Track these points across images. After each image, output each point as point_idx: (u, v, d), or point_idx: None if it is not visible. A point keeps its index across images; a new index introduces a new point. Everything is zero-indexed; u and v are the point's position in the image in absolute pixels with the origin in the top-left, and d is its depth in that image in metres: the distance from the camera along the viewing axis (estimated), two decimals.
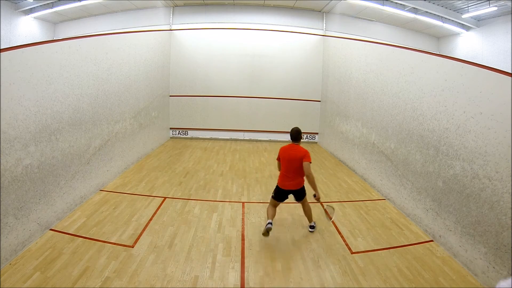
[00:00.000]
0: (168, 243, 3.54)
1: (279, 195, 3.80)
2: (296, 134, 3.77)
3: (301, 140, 3.82)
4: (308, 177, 3.59)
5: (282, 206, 4.81)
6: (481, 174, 3.11)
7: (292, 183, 3.69)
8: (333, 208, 3.99)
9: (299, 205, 4.92)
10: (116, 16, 10.64)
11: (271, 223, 3.54)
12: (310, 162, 3.61)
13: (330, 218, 3.86)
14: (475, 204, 3.18)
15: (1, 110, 2.92)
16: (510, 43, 8.53)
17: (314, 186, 3.62)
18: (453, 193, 3.54)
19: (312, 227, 4.01)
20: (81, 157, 4.50)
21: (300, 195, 3.80)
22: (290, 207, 4.79)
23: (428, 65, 4.33)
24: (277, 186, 3.81)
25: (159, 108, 8.95)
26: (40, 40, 7.06)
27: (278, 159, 3.85)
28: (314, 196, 3.68)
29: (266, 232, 3.48)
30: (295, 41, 10.24)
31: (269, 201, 3.94)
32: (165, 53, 9.49)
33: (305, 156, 3.60)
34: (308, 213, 3.96)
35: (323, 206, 4.26)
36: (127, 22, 10.30)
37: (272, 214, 3.75)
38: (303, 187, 3.76)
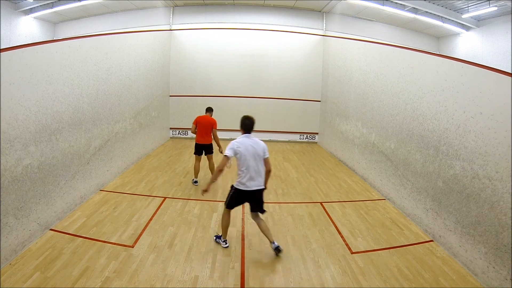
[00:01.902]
0: (168, 243, 3.54)
1: (199, 149, 5.60)
2: (210, 108, 5.86)
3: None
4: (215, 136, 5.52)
5: (282, 206, 4.82)
6: (481, 174, 3.11)
7: (204, 140, 5.54)
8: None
9: (299, 205, 4.95)
10: (116, 16, 10.64)
11: (196, 181, 5.65)
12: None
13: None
14: (475, 204, 3.18)
15: (1, 110, 2.92)
16: (510, 43, 8.53)
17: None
18: (453, 193, 3.54)
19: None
20: (81, 157, 4.50)
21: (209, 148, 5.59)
22: (290, 207, 4.80)
23: (428, 65, 4.33)
24: (196, 143, 5.60)
25: (159, 108, 8.95)
26: (40, 40, 7.06)
27: (195, 123, 5.52)
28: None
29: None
30: (295, 41, 10.24)
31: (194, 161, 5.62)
32: (165, 53, 9.49)
33: (215, 124, 5.52)
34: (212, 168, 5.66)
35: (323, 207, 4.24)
36: (127, 22, 10.30)
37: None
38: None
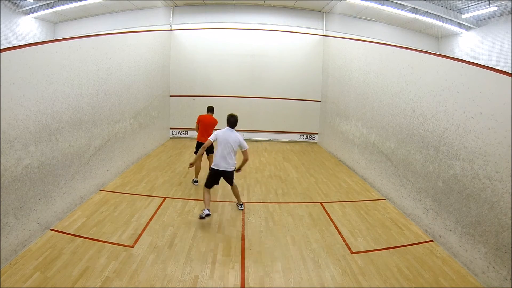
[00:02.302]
0: (168, 243, 3.54)
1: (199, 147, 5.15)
2: (211, 108, 5.84)
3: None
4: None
5: (282, 206, 4.83)
6: (481, 174, 3.11)
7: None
8: None
9: (299, 205, 4.95)
10: (116, 16, 10.64)
11: (197, 181, 5.67)
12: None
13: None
14: (475, 204, 3.18)
15: (1, 110, 2.92)
16: (510, 43, 8.53)
17: None
18: (453, 193, 3.54)
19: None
20: (81, 157, 4.50)
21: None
22: (290, 207, 4.80)
23: (428, 65, 4.33)
24: (198, 142, 5.53)
25: (159, 108, 8.94)
26: (40, 40, 7.06)
27: (198, 122, 5.55)
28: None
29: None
30: (295, 41, 10.23)
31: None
32: (165, 53, 9.48)
33: (216, 123, 5.62)
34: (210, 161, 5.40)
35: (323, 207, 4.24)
36: (127, 22, 10.30)
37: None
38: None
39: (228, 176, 4.30)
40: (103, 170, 5.26)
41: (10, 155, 3.03)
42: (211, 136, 4.24)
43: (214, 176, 4.26)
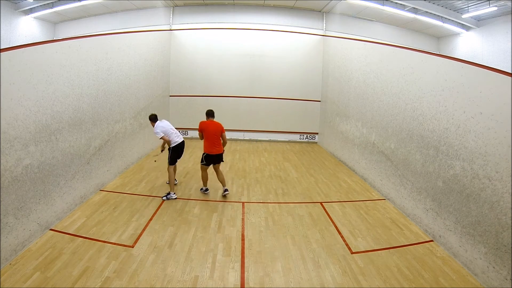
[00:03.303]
0: (168, 243, 3.54)
1: (211, 161, 4.93)
2: (212, 112, 5.11)
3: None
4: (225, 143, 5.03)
5: (282, 206, 4.82)
6: (481, 174, 3.11)
7: (217, 149, 4.90)
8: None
9: (299, 205, 4.94)
10: (116, 16, 10.64)
11: (207, 189, 5.21)
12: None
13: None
14: (475, 204, 3.18)
15: (1, 110, 2.92)
16: (510, 43, 8.53)
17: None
18: (453, 193, 3.54)
19: (226, 190, 5.06)
20: (81, 157, 4.50)
21: (221, 158, 5.01)
22: (289, 207, 4.79)
23: (428, 65, 4.33)
24: (208, 155, 4.88)
25: (159, 108, 8.93)
26: (40, 40, 7.06)
27: (201, 130, 4.91)
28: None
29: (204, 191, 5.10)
30: (295, 41, 10.24)
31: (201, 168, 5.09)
32: (165, 53, 9.49)
33: (223, 128, 4.97)
34: (222, 178, 5.11)
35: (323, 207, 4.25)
36: (127, 22, 10.30)
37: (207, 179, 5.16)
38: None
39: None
40: (103, 170, 5.26)
41: (10, 155, 3.03)
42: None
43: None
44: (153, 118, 5.11)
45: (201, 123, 4.92)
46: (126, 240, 3.57)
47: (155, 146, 8.57)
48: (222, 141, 4.95)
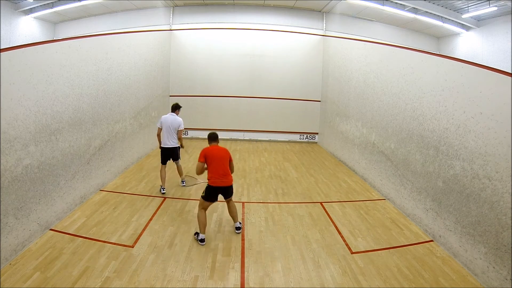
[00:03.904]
0: (168, 243, 3.54)
1: (214, 195, 3.68)
2: (215, 135, 3.93)
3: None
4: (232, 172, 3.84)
5: (282, 206, 4.82)
6: (481, 174, 3.11)
7: (227, 180, 3.68)
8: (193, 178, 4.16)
9: (299, 205, 4.94)
10: (116, 16, 10.64)
11: (203, 239, 3.60)
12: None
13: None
14: (475, 204, 3.18)
15: (1, 110, 2.92)
16: (510, 43, 8.53)
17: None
18: (453, 193, 3.54)
19: (238, 228, 3.90)
20: (81, 157, 4.50)
21: (231, 192, 3.83)
22: (289, 207, 4.79)
23: (428, 65, 4.33)
24: (211, 187, 3.62)
25: (159, 108, 8.93)
26: (40, 40, 7.06)
27: (204, 159, 3.66)
28: None
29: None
30: (295, 41, 10.24)
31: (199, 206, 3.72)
32: (165, 53, 9.49)
33: (230, 155, 3.87)
34: (234, 212, 3.92)
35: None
36: (127, 22, 10.30)
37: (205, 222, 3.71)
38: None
39: (175, 152, 5.28)
40: (103, 170, 5.26)
41: (10, 155, 3.03)
42: (158, 124, 5.19)
43: (164, 153, 5.21)
44: (174, 107, 5.48)
45: (204, 149, 3.73)
46: (126, 240, 3.57)
47: (155, 146, 8.57)
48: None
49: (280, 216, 4.43)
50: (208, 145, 3.84)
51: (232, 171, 3.80)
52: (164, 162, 5.31)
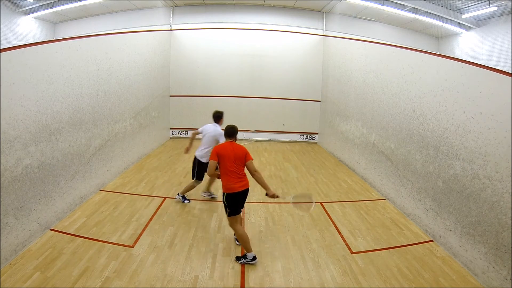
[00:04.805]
0: (168, 243, 3.54)
1: (238, 204, 3.21)
2: (232, 130, 3.38)
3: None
4: (255, 175, 3.20)
5: (282, 206, 4.82)
6: (481, 174, 3.11)
7: (244, 183, 3.22)
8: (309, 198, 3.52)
9: (298, 204, 4.92)
10: (116, 16, 10.64)
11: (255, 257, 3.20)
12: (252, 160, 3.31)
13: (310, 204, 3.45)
14: (475, 204, 3.18)
15: (1, 110, 2.92)
16: (510, 43, 8.52)
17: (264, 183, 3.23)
18: (453, 193, 3.54)
19: (240, 257, 3.25)
20: (81, 157, 4.50)
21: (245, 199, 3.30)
22: (289, 206, 4.79)
23: (428, 65, 4.33)
24: (229, 195, 3.14)
25: (159, 108, 8.94)
26: (40, 40, 7.06)
27: (216, 159, 3.18)
28: (267, 194, 3.20)
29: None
30: (295, 41, 10.24)
31: (230, 223, 3.29)
32: (165, 53, 9.49)
33: (247, 153, 3.28)
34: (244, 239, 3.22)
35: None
36: (127, 22, 10.29)
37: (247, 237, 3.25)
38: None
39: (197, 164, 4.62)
40: (103, 170, 5.26)
41: (10, 155, 3.03)
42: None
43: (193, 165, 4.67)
44: (216, 116, 4.62)
45: (216, 147, 3.33)
46: (126, 240, 3.57)
47: (155, 146, 8.58)
48: (252, 174, 3.23)
49: (280, 216, 4.43)
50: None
51: (252, 173, 3.19)
52: (200, 177, 4.63)
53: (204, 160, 4.49)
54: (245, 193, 3.24)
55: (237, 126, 3.41)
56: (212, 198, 4.96)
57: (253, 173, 3.20)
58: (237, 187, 3.15)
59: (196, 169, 4.60)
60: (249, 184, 3.29)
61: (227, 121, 4.11)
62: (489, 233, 2.95)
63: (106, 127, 5.34)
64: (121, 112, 6.05)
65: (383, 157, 5.47)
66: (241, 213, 3.34)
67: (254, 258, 3.19)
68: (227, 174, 3.17)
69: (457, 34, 10.52)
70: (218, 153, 3.19)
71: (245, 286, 2.87)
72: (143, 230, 3.83)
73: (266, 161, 7.79)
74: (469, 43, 10.19)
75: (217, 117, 4.63)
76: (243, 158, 3.23)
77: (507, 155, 2.80)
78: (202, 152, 4.55)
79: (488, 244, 2.96)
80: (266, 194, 3.18)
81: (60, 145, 3.96)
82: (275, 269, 3.13)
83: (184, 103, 10.24)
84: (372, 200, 5.20)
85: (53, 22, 11.35)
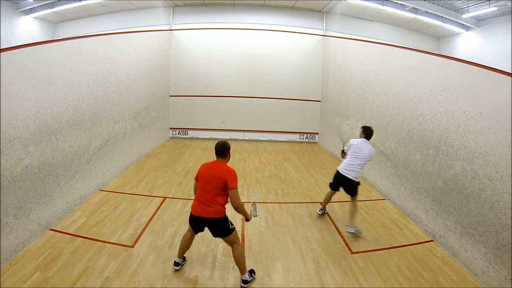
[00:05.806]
0: (168, 243, 3.54)
1: (192, 224, 2.86)
2: (220, 148, 2.88)
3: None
4: (236, 208, 2.71)
5: (282, 206, 4.82)
6: (481, 174, 3.11)
7: (205, 210, 2.68)
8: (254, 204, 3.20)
9: (298, 204, 4.93)
10: (116, 16, 10.64)
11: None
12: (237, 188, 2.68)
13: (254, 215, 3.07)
14: (475, 204, 3.18)
15: (1, 110, 2.92)
16: (510, 43, 8.53)
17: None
18: (453, 193, 3.54)
19: (245, 281, 2.83)
20: (81, 157, 4.50)
21: (218, 229, 2.76)
22: (289, 206, 4.79)
23: (428, 65, 4.33)
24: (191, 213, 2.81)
25: (159, 108, 8.94)
26: (40, 40, 7.06)
27: (196, 178, 2.86)
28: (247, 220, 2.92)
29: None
30: (295, 41, 10.24)
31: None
32: (165, 53, 9.49)
33: (232, 179, 2.66)
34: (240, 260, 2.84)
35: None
36: (127, 22, 10.30)
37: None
38: (223, 218, 2.73)
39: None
40: (103, 170, 5.25)
41: (10, 155, 3.03)
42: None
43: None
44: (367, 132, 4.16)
45: (201, 166, 2.91)
46: (126, 240, 3.57)
47: (155, 146, 8.58)
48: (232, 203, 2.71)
49: (280, 216, 4.43)
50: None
51: (233, 205, 2.68)
52: (336, 188, 4.32)
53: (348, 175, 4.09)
54: (205, 221, 2.70)
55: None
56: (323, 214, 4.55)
57: (234, 205, 2.67)
58: (195, 211, 2.74)
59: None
60: (219, 215, 2.68)
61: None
62: (489, 233, 2.95)
63: (106, 127, 5.34)
64: (121, 112, 6.05)
65: (383, 157, 5.47)
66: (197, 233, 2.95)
67: (177, 264, 3.01)
68: (196, 193, 2.82)
69: (457, 34, 10.52)
70: (198, 173, 2.84)
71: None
72: (143, 230, 3.83)
73: (266, 161, 7.79)
74: (469, 43, 10.19)
75: (370, 133, 4.17)
76: (221, 184, 2.65)
77: (507, 155, 2.80)
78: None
79: (488, 244, 2.96)
80: (246, 220, 2.91)
81: (60, 145, 3.96)
82: (275, 269, 3.13)
83: (184, 103, 10.24)
84: (372, 200, 5.20)
85: (53, 22, 11.35)
